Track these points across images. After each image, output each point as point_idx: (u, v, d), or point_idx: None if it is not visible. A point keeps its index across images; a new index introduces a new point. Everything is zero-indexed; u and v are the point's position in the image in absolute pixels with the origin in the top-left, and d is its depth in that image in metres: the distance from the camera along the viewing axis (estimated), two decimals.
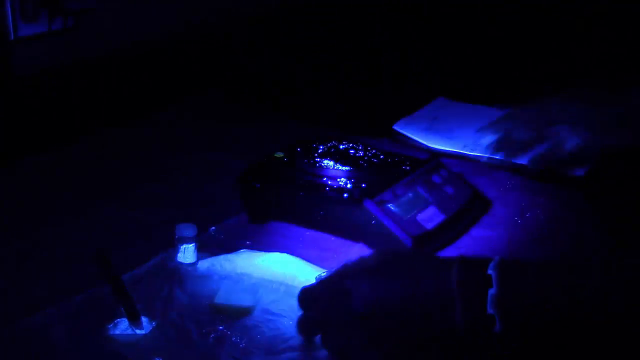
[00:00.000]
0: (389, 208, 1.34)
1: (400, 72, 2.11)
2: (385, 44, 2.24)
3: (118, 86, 1.83)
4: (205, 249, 1.32)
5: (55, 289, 1.22)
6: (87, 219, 1.42)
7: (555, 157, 1.61)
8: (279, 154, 1.48)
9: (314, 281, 1.17)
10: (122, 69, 1.85)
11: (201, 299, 1.21)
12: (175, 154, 1.68)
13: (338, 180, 1.39)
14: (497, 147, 1.67)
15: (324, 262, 1.30)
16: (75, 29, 1.77)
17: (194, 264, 1.29)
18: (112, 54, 1.85)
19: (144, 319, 1.14)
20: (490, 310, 0.99)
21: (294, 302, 1.17)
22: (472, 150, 1.72)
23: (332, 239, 1.39)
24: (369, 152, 1.50)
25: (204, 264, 1.29)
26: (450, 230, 1.39)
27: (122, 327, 1.13)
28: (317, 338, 1.10)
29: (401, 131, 1.81)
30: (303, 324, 1.12)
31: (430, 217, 1.37)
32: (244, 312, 1.17)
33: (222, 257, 1.30)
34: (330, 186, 1.38)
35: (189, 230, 1.29)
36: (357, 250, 1.34)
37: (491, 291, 0.98)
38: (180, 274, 1.26)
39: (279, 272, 1.26)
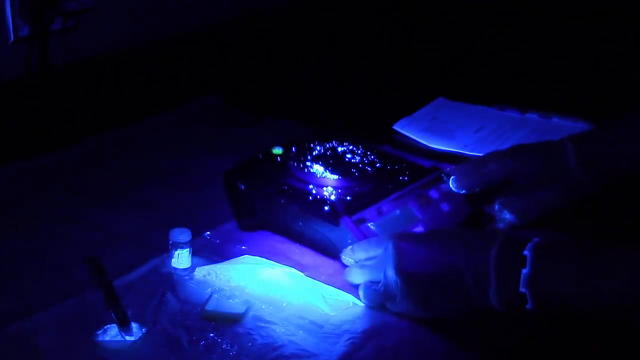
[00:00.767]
0: (368, 228, 1.26)
1: (400, 72, 2.10)
2: (385, 44, 2.23)
3: (116, 87, 1.83)
4: (200, 254, 1.32)
5: (45, 293, 1.22)
6: (80, 222, 1.42)
7: None
8: (278, 150, 1.42)
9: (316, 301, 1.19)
10: (121, 70, 1.85)
11: (193, 305, 1.20)
12: (171, 157, 1.68)
13: (324, 189, 1.32)
14: None
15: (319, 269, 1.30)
16: (75, 29, 1.77)
17: (188, 270, 1.29)
18: (111, 55, 1.84)
19: (134, 325, 1.14)
20: (522, 290, 1.02)
21: (286, 313, 1.18)
22: (472, 150, 1.71)
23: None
24: (368, 158, 1.40)
25: (201, 272, 1.28)
26: None
27: (111, 333, 1.13)
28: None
29: (401, 131, 1.80)
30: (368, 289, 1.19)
31: None
32: (235, 320, 1.17)
33: (219, 265, 1.29)
34: (314, 196, 1.30)
35: (183, 235, 1.29)
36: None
37: (524, 271, 1.02)
38: (173, 279, 1.26)
39: (277, 289, 1.24)
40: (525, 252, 1.03)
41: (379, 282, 1.19)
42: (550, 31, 2.06)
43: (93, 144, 1.72)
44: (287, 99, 2.00)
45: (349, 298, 1.22)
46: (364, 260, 1.23)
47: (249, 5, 2.17)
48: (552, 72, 2.01)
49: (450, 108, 1.92)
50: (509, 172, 1.35)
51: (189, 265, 1.29)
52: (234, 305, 1.19)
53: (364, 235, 1.25)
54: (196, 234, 1.33)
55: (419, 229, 1.29)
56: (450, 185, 1.35)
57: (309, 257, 1.33)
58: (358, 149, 1.43)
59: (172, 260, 1.29)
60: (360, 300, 1.21)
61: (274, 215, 1.33)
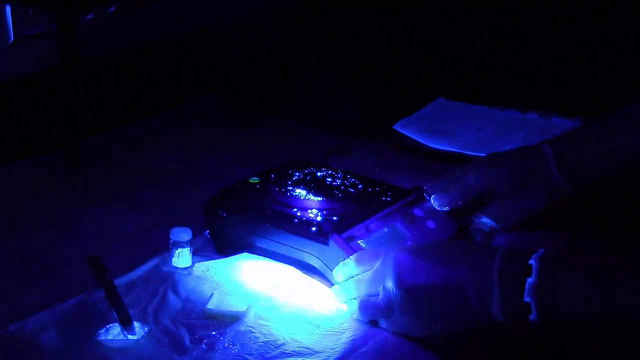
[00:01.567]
0: (358, 245, 1.24)
1: (400, 72, 2.09)
2: (385, 44, 2.23)
3: (116, 87, 1.83)
4: (201, 254, 1.32)
5: (47, 293, 1.22)
6: (81, 222, 1.42)
7: None
8: (254, 179, 1.40)
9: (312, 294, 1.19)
10: (121, 70, 1.85)
11: (194, 304, 1.20)
12: (171, 156, 1.68)
13: (309, 211, 1.30)
14: None
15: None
16: (75, 29, 1.77)
17: (188, 269, 1.28)
18: (111, 55, 1.84)
19: (136, 324, 1.14)
20: (527, 299, 1.01)
21: (284, 311, 1.18)
22: (472, 151, 1.71)
23: None
24: (348, 181, 1.39)
25: (200, 267, 1.28)
26: None
27: (114, 332, 1.13)
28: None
29: (401, 131, 1.80)
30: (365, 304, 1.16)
31: None
32: (237, 318, 1.17)
33: (218, 262, 1.30)
34: (300, 218, 1.29)
35: (183, 234, 1.29)
36: None
37: (530, 280, 1.01)
38: (174, 278, 1.26)
39: (275, 287, 1.24)
40: (531, 262, 1.02)
41: (374, 296, 1.16)
42: (550, 31, 2.05)
43: (92, 144, 1.72)
44: (287, 99, 2.00)
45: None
46: (356, 275, 1.20)
47: (249, 5, 2.17)
48: (552, 72, 2.01)
49: (450, 108, 1.92)
50: (488, 182, 1.35)
51: (189, 264, 1.29)
52: (236, 304, 1.19)
53: (354, 252, 1.22)
54: (197, 233, 1.32)
55: (408, 246, 1.27)
56: (433, 204, 1.35)
57: None
58: (337, 173, 1.41)
59: (173, 259, 1.29)
60: (354, 316, 1.19)
61: (257, 240, 1.31)
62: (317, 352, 1.11)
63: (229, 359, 1.10)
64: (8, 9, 1.64)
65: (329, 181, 1.38)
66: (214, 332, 1.14)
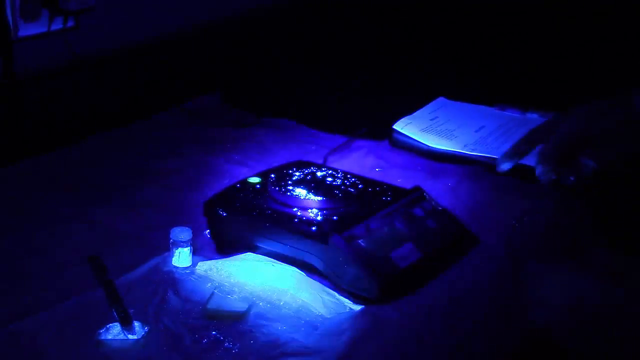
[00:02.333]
0: (359, 244, 1.24)
1: (400, 72, 2.10)
2: (385, 44, 2.23)
3: (116, 87, 1.83)
4: (200, 253, 1.32)
5: (46, 293, 1.21)
6: (81, 222, 1.42)
7: None
8: (254, 179, 1.40)
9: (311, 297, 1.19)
10: (121, 70, 1.85)
11: (195, 304, 1.20)
12: (171, 156, 1.68)
13: (309, 211, 1.30)
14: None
15: None
16: (75, 28, 1.77)
17: (188, 268, 1.28)
18: (111, 54, 1.84)
19: (136, 324, 1.14)
20: None
21: (283, 311, 1.18)
22: (472, 150, 1.71)
23: None
24: (348, 181, 1.39)
25: (200, 267, 1.28)
26: (428, 268, 1.28)
27: (114, 332, 1.13)
28: None
29: (401, 131, 1.80)
30: None
31: (406, 255, 1.26)
32: (237, 318, 1.17)
33: (220, 261, 1.30)
34: (300, 218, 1.29)
35: (183, 233, 1.29)
36: None
37: None
38: (174, 278, 1.26)
39: (276, 287, 1.24)
40: None
41: None
42: (550, 31, 2.06)
43: (92, 143, 1.72)
44: (287, 99, 2.00)
45: (346, 302, 1.22)
46: None
47: (249, 5, 2.17)
48: (552, 72, 2.01)
49: (450, 108, 1.92)
50: (588, 128, 1.37)
51: (189, 264, 1.29)
52: (236, 304, 1.19)
53: (354, 252, 1.22)
54: (196, 232, 1.32)
55: (408, 245, 1.28)
56: (539, 175, 1.37)
57: None
58: (337, 173, 1.41)
59: (173, 259, 1.29)
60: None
61: (257, 239, 1.31)
62: (318, 352, 1.11)
63: (229, 359, 1.10)
64: (8, 8, 1.64)
65: (329, 181, 1.38)
66: (214, 332, 1.14)
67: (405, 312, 1.19)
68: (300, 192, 1.34)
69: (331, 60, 2.16)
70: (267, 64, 2.14)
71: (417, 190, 1.38)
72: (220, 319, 1.17)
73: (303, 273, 1.26)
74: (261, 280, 1.24)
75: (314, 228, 1.26)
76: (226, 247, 1.33)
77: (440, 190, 1.50)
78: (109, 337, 1.12)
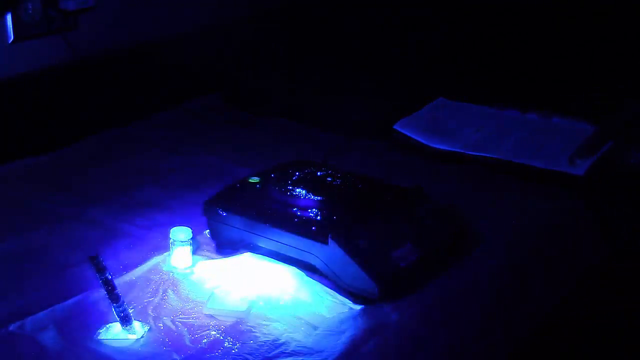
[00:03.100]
0: (359, 244, 1.24)
1: (400, 72, 2.10)
2: (385, 44, 2.23)
3: (116, 87, 1.83)
4: (200, 253, 1.32)
5: (47, 293, 1.21)
6: (81, 222, 1.42)
7: None
8: (254, 179, 1.40)
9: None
10: (121, 69, 1.85)
11: (195, 303, 1.20)
12: (171, 156, 1.68)
13: (309, 211, 1.30)
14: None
15: None
16: (74, 28, 1.77)
17: (188, 268, 1.28)
18: (111, 54, 1.84)
19: (136, 324, 1.14)
20: None
21: (283, 311, 1.18)
22: (472, 150, 1.71)
23: None
24: (348, 181, 1.39)
25: (202, 268, 1.28)
26: (428, 268, 1.28)
27: (114, 331, 1.13)
28: None
29: (402, 131, 1.80)
30: None
31: (406, 255, 1.26)
32: (237, 318, 1.17)
33: (220, 261, 1.30)
34: (300, 218, 1.29)
35: (183, 233, 1.29)
36: None
37: None
38: (174, 278, 1.26)
39: (277, 287, 1.24)
40: None
41: None
42: (550, 31, 2.06)
43: (92, 143, 1.72)
44: (287, 99, 2.00)
45: (346, 301, 1.22)
46: None
47: (249, 5, 2.17)
48: (552, 72, 2.01)
49: (450, 108, 1.92)
50: None
51: (190, 264, 1.29)
52: (236, 304, 1.19)
53: (354, 252, 1.22)
54: (197, 233, 1.32)
55: (408, 245, 1.27)
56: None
57: None
58: (337, 173, 1.41)
59: (173, 259, 1.29)
60: None
61: (257, 239, 1.31)
62: (318, 352, 1.11)
63: (229, 359, 1.10)
64: None
65: (328, 181, 1.38)
66: (214, 332, 1.14)
67: (405, 312, 1.19)
68: (300, 192, 1.33)
69: (331, 60, 2.16)
70: (267, 64, 2.14)
71: (417, 190, 1.38)
72: (220, 319, 1.16)
73: (303, 273, 1.26)
74: (261, 280, 1.24)
75: (313, 228, 1.25)
76: (226, 247, 1.33)
77: (440, 190, 1.50)
78: (109, 336, 1.12)
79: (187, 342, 1.12)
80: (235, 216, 1.32)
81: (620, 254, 1.47)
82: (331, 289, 1.23)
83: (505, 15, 2.12)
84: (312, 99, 1.99)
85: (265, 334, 1.14)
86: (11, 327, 1.13)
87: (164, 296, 1.21)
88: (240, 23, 2.13)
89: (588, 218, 1.50)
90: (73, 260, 1.29)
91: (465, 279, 1.29)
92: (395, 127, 1.81)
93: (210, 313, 1.18)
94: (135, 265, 1.28)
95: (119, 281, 1.22)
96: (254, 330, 1.15)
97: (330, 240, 1.22)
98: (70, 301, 1.19)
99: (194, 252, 1.30)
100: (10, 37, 1.67)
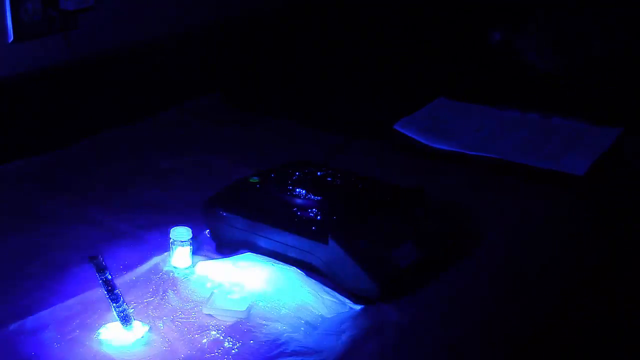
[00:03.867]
0: (359, 244, 1.23)
1: (400, 72, 2.10)
2: (386, 44, 2.23)
3: (116, 87, 1.83)
4: (200, 253, 1.32)
5: (47, 293, 1.21)
6: (81, 222, 1.42)
7: None
8: (254, 179, 1.40)
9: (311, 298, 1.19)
10: (121, 70, 1.85)
11: (195, 303, 1.20)
12: (171, 156, 1.68)
13: (309, 211, 1.30)
14: None
15: None
16: (75, 28, 1.77)
17: (188, 268, 1.28)
18: (111, 54, 1.84)
19: (136, 323, 1.14)
20: None
21: (283, 311, 1.18)
22: (472, 150, 1.71)
23: None
24: (348, 181, 1.39)
25: (202, 267, 1.28)
26: (428, 268, 1.28)
27: (114, 331, 1.13)
28: None
29: (402, 131, 1.80)
30: None
31: (406, 255, 1.26)
32: (237, 318, 1.17)
33: (220, 261, 1.30)
34: (300, 217, 1.28)
35: (183, 233, 1.29)
36: None
37: None
38: (174, 278, 1.26)
39: (276, 287, 1.24)
40: None
41: None
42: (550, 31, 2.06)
43: (92, 143, 1.72)
44: (287, 99, 2.00)
45: (346, 301, 1.22)
46: None
47: (249, 5, 2.17)
48: (552, 72, 2.01)
49: (450, 108, 1.92)
50: None
51: (189, 264, 1.29)
52: (236, 303, 1.19)
53: (354, 252, 1.22)
54: (196, 232, 1.32)
55: (408, 245, 1.27)
56: None
57: None
58: (337, 173, 1.41)
59: (173, 259, 1.29)
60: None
61: (257, 239, 1.31)
62: (318, 352, 1.11)
63: (229, 359, 1.10)
64: (8, 8, 1.64)
65: (328, 181, 1.38)
66: (214, 331, 1.14)
67: (405, 312, 1.19)
68: (300, 191, 1.33)
69: (331, 60, 2.16)
70: (267, 64, 2.14)
71: (417, 190, 1.38)
72: (220, 319, 1.16)
73: (303, 273, 1.26)
74: (261, 280, 1.24)
75: (313, 228, 1.25)
76: (226, 247, 1.33)
77: (440, 190, 1.50)
78: (109, 336, 1.12)
79: (187, 342, 1.12)
80: (235, 216, 1.32)
81: (620, 254, 1.47)
82: (331, 289, 1.23)
83: (506, 15, 2.12)
84: (312, 99, 1.99)
85: (265, 334, 1.14)
86: (11, 327, 1.13)
87: (164, 296, 1.21)
88: (240, 23, 2.13)
89: (588, 218, 1.50)
90: (73, 260, 1.29)
91: (465, 279, 1.29)
92: (395, 127, 1.82)
93: (210, 313, 1.18)
94: (135, 265, 1.28)
95: (119, 281, 1.22)
96: (254, 330, 1.15)
97: (330, 240, 1.22)
98: (70, 301, 1.19)
99: (194, 252, 1.30)
100: (10, 37, 1.66)
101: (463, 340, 1.18)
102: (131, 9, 1.89)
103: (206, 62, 2.04)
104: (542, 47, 1.67)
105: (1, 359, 1.09)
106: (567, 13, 1.71)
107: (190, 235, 1.29)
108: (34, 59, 1.71)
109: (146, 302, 1.20)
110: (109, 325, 1.14)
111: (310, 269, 1.26)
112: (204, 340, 1.12)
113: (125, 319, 1.13)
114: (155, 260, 1.30)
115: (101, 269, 1.21)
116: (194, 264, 1.29)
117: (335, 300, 1.21)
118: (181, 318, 1.17)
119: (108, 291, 1.17)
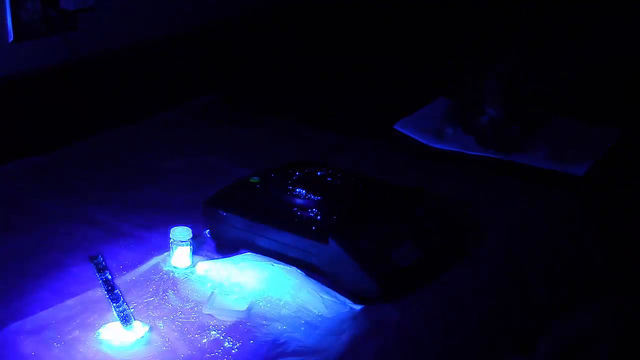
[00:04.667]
0: (359, 244, 1.23)
1: (400, 72, 2.10)
2: (386, 44, 2.23)
3: (116, 87, 1.83)
4: (200, 253, 1.32)
5: (47, 293, 1.22)
6: (81, 221, 1.42)
7: None
8: (254, 179, 1.39)
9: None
10: (121, 70, 1.85)
11: (195, 303, 1.20)
12: (171, 156, 1.68)
13: (308, 211, 1.30)
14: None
15: None
16: (75, 28, 1.77)
17: (188, 268, 1.28)
18: (111, 54, 1.84)
19: (137, 323, 1.14)
20: None
21: (283, 311, 1.18)
22: (472, 150, 1.71)
23: None
24: (348, 181, 1.38)
25: (202, 267, 1.28)
26: (428, 268, 1.28)
27: (114, 331, 1.13)
28: None
29: (402, 131, 1.80)
30: None
31: (406, 254, 1.26)
32: (237, 318, 1.17)
33: (220, 261, 1.30)
34: (299, 217, 1.28)
35: (183, 233, 1.29)
36: None
37: None
38: (174, 278, 1.26)
39: (276, 287, 1.24)
40: None
41: None
42: (550, 31, 2.06)
43: (93, 143, 1.72)
44: (287, 99, 2.00)
45: (346, 301, 1.22)
46: None
47: (249, 5, 2.17)
48: (552, 72, 2.01)
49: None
50: None
51: (189, 264, 1.29)
52: (236, 304, 1.19)
53: (354, 252, 1.22)
54: (196, 232, 1.32)
55: (408, 245, 1.27)
56: None
57: None
58: (337, 173, 1.40)
59: (173, 259, 1.29)
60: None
61: (257, 239, 1.31)
62: (318, 352, 1.11)
63: (229, 359, 1.10)
64: (8, 7, 1.64)
65: (328, 181, 1.38)
66: (214, 331, 1.14)
67: (405, 312, 1.19)
68: (300, 191, 1.33)
69: (331, 60, 2.16)
70: (267, 64, 2.14)
71: (417, 190, 1.38)
72: (220, 319, 1.17)
73: (303, 273, 1.26)
74: (261, 280, 1.24)
75: (314, 228, 1.25)
76: (226, 247, 1.34)
77: (440, 190, 1.50)
78: (109, 336, 1.12)
79: (187, 342, 1.12)
80: (235, 216, 1.32)
81: (620, 254, 1.48)
82: (331, 289, 1.23)
83: (505, 15, 2.12)
84: (312, 99, 1.99)
85: (265, 334, 1.14)
86: (11, 327, 1.13)
87: (164, 296, 1.21)
88: (239, 23, 2.13)
89: (588, 218, 1.50)
90: (73, 260, 1.29)
91: (465, 279, 1.29)
92: (395, 127, 1.82)
93: (210, 313, 1.18)
94: (135, 265, 1.28)
95: (119, 281, 1.22)
96: (254, 330, 1.15)
97: (330, 240, 1.22)
98: (70, 301, 1.19)
99: (194, 252, 1.30)
100: (10, 37, 1.66)
101: (463, 340, 1.18)
102: (131, 9, 1.89)
103: (206, 62, 2.04)
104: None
105: (1, 359, 1.09)
106: None
107: (190, 235, 1.29)
108: (34, 59, 1.71)
109: (146, 302, 1.20)
110: (109, 325, 1.14)
111: (310, 269, 1.26)
112: (204, 340, 1.12)
113: (125, 319, 1.13)
114: (155, 260, 1.30)
115: (101, 269, 1.21)
116: (194, 264, 1.29)
117: (335, 300, 1.21)
118: (181, 318, 1.17)
119: (108, 291, 1.17)
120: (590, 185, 1.59)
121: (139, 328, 1.14)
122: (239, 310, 1.17)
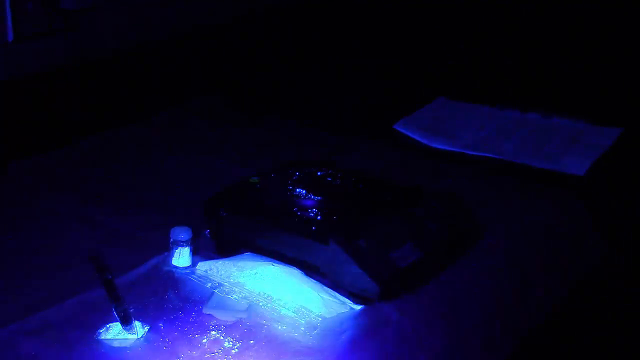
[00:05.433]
0: (359, 244, 1.23)
1: (400, 72, 2.10)
2: (386, 44, 2.23)
3: (116, 87, 1.83)
4: (200, 253, 1.32)
5: (47, 293, 1.21)
6: (81, 222, 1.42)
7: None
8: (254, 179, 1.39)
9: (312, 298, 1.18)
10: (121, 70, 1.85)
11: (195, 303, 1.20)
12: (172, 156, 1.68)
13: (309, 211, 1.29)
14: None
15: None
16: (75, 29, 1.77)
17: (188, 268, 1.28)
18: (111, 54, 1.84)
19: (136, 323, 1.14)
20: None
21: (284, 311, 1.18)
22: (472, 150, 1.71)
23: None
24: (348, 181, 1.38)
25: (200, 267, 1.28)
26: (428, 268, 1.28)
27: (114, 331, 1.13)
28: None
29: (402, 131, 1.80)
30: None
31: (406, 255, 1.25)
32: (237, 318, 1.17)
33: (220, 262, 1.29)
34: (300, 218, 1.28)
35: (183, 233, 1.29)
36: None
37: None
38: (174, 278, 1.26)
39: (276, 287, 1.24)
40: None
41: None
42: (550, 31, 2.06)
43: (93, 143, 1.72)
44: (287, 99, 2.00)
45: (346, 301, 1.22)
46: None
47: (249, 5, 2.17)
48: (552, 72, 2.01)
49: (450, 108, 1.92)
50: None
51: (189, 264, 1.29)
52: (236, 304, 1.19)
53: (354, 252, 1.22)
54: (197, 233, 1.32)
55: (408, 245, 1.27)
56: None
57: None
58: (337, 173, 1.40)
59: (173, 258, 1.29)
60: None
61: (257, 239, 1.31)
62: (317, 352, 1.11)
63: (229, 359, 1.10)
64: (8, 7, 1.64)
65: (329, 181, 1.38)
66: (214, 332, 1.14)
67: (405, 312, 1.19)
68: (300, 191, 1.33)
69: (331, 60, 2.16)
70: (267, 64, 2.14)
71: (417, 190, 1.38)
72: (220, 319, 1.16)
73: (303, 273, 1.26)
74: (261, 280, 1.24)
75: (314, 228, 1.25)
76: (226, 247, 1.33)
77: (440, 190, 1.50)
78: (109, 336, 1.12)
79: (187, 342, 1.12)
80: (236, 216, 1.32)
81: (620, 254, 1.48)
82: (331, 289, 1.23)
83: (505, 15, 2.12)
84: (312, 99, 1.99)
85: (265, 334, 1.14)
86: (11, 327, 1.13)
87: (164, 296, 1.21)
88: (240, 23, 2.13)
89: (588, 218, 1.50)
90: (73, 260, 1.29)
91: (465, 279, 1.29)
92: (395, 127, 1.82)
93: (210, 313, 1.18)
94: (135, 266, 1.28)
95: (119, 281, 1.22)
96: (254, 330, 1.15)
97: (330, 240, 1.22)
98: (70, 301, 1.19)
99: (194, 253, 1.30)
100: (10, 37, 1.66)
101: (463, 340, 1.18)
102: (131, 9, 1.89)
103: (206, 62, 2.04)
104: None
105: (1, 359, 1.09)
106: None
107: (190, 235, 1.29)
108: (34, 59, 1.71)
109: (146, 302, 1.20)
110: (109, 325, 1.14)
111: (310, 269, 1.26)
112: (204, 340, 1.12)
113: (125, 319, 1.13)
114: (155, 260, 1.30)
115: (101, 269, 1.21)
116: (194, 264, 1.29)
117: (335, 300, 1.21)
118: (181, 318, 1.17)
119: (108, 291, 1.17)
120: (590, 185, 1.59)
121: (139, 328, 1.13)
122: (239, 310, 1.17)
